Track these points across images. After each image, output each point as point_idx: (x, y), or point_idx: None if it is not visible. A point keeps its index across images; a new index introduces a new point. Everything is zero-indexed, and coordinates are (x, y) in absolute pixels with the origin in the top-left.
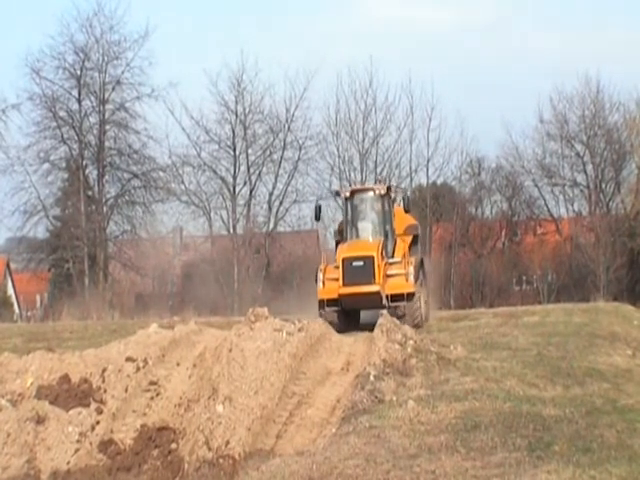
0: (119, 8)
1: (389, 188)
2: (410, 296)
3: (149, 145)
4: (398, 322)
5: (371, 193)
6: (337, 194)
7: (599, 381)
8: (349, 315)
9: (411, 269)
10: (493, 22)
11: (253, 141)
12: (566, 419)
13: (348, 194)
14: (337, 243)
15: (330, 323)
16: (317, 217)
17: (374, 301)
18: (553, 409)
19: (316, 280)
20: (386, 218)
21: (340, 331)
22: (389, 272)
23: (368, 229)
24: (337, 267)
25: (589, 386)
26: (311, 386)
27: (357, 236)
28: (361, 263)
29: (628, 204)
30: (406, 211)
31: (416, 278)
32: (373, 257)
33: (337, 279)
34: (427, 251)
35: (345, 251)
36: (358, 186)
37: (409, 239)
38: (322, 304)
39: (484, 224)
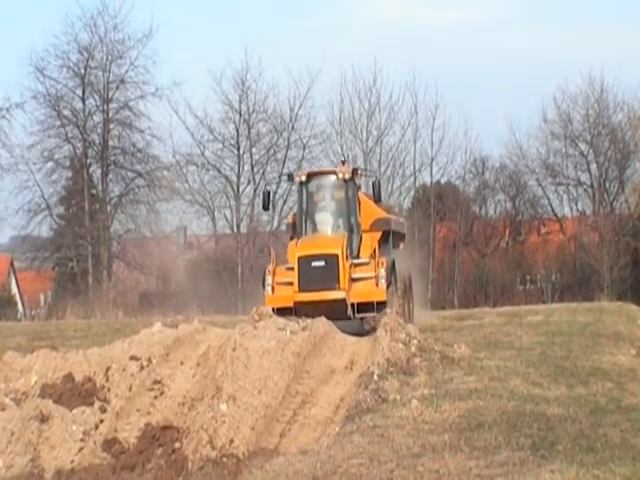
0: (123, 7)
1: (355, 171)
2: (381, 305)
3: (153, 144)
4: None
5: (332, 177)
6: (290, 178)
7: (603, 380)
8: None
9: (382, 272)
10: (497, 21)
11: (257, 140)
12: (570, 418)
13: (304, 178)
14: (290, 239)
15: None
16: (266, 205)
17: (338, 311)
18: (557, 408)
19: (263, 284)
20: (351, 209)
21: None
22: (355, 275)
23: (328, 222)
24: (290, 269)
25: (593, 385)
26: (315, 385)
27: (315, 230)
28: (322, 263)
29: (632, 203)
30: (376, 201)
31: (388, 283)
32: (337, 255)
33: (291, 283)
34: (430, 251)
35: (302, 248)
36: (316, 168)
37: (378, 236)
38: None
39: (488, 223)
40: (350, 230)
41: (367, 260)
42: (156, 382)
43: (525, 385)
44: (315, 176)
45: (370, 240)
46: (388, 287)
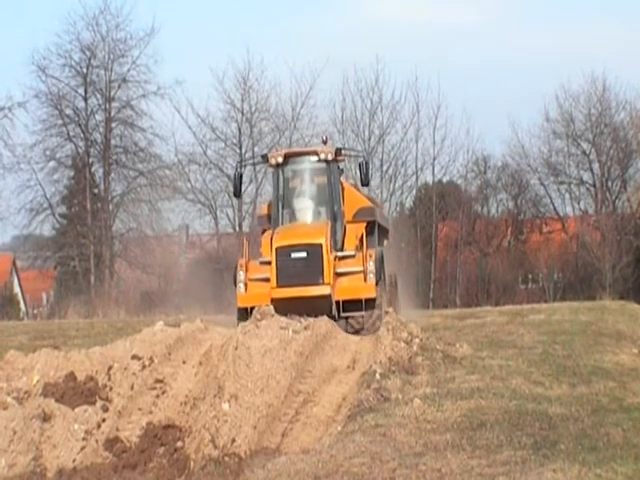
0: (125, 6)
1: (338, 152)
2: (370, 303)
3: (155, 143)
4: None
5: (313, 158)
6: (265, 159)
7: (605, 380)
8: None
9: (371, 265)
10: (499, 19)
11: (259, 139)
12: (572, 418)
13: (280, 159)
14: (263, 232)
15: None
16: (237, 191)
17: (321, 309)
18: (559, 407)
19: (234, 282)
20: (334, 194)
21: None
22: (339, 269)
23: (308, 209)
24: (265, 263)
25: (595, 385)
26: (317, 384)
27: (293, 219)
28: (303, 254)
29: (634, 202)
30: (364, 184)
31: (378, 278)
32: (320, 245)
33: (266, 279)
34: (432, 250)
35: (280, 238)
36: (294, 148)
37: (362, 227)
38: (244, 314)
39: (490, 222)
40: (333, 218)
41: (353, 252)
42: (158, 381)
43: (527, 384)
44: (293, 157)
45: (355, 231)
46: (377, 283)
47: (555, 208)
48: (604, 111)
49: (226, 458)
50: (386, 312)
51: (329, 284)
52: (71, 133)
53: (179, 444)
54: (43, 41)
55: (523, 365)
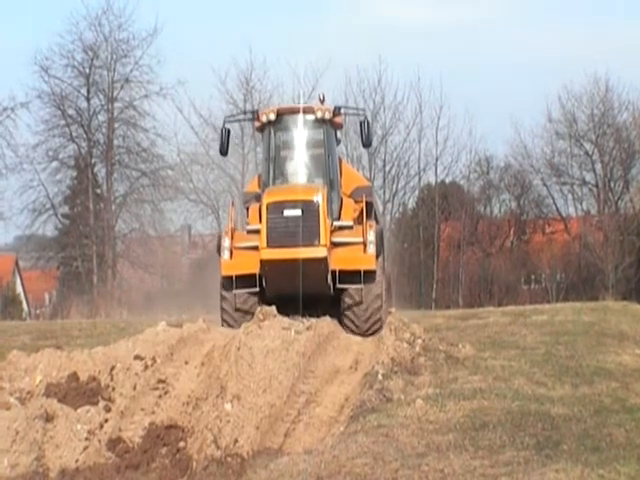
0: (128, 6)
1: (337, 110)
2: (369, 276)
3: (158, 143)
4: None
5: (309, 117)
6: (255, 115)
7: (608, 380)
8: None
9: (372, 235)
10: (502, 20)
11: (261, 140)
12: (574, 418)
13: (272, 116)
14: (247, 209)
15: (242, 315)
16: (223, 148)
17: (315, 275)
18: (561, 408)
19: (218, 250)
20: (330, 159)
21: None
22: (337, 239)
23: (302, 174)
24: (253, 232)
25: (598, 385)
26: (319, 385)
27: (285, 183)
28: (298, 212)
29: (637, 203)
30: (366, 145)
31: (378, 251)
32: (317, 203)
33: (253, 248)
34: (434, 250)
35: (273, 194)
36: (288, 105)
37: (359, 206)
38: (228, 284)
39: (492, 223)
40: (330, 185)
41: (351, 224)
42: (160, 381)
43: (529, 385)
44: (287, 114)
45: (352, 204)
46: (378, 256)
47: (558, 209)
48: (607, 112)
49: (228, 458)
50: (389, 312)
51: (325, 246)
52: (74, 133)
53: (181, 444)
54: (46, 41)
55: (526, 366)
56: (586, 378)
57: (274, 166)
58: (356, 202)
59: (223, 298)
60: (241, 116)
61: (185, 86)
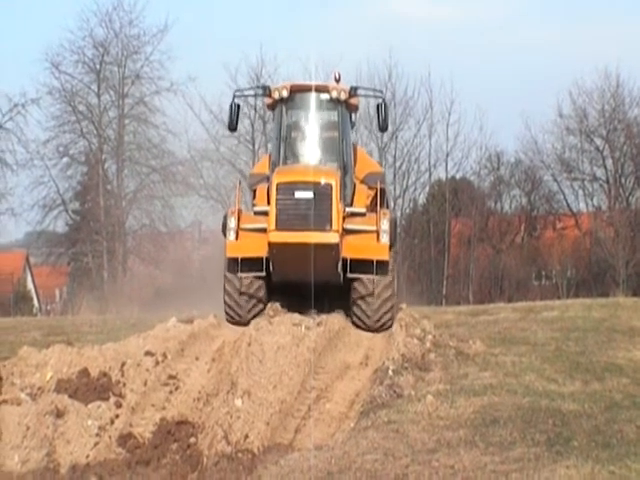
0: (138, 2)
1: (353, 91)
2: (382, 266)
3: (168, 139)
4: (366, 319)
5: (324, 96)
6: (266, 92)
7: (618, 376)
8: (283, 292)
9: (385, 224)
10: (513, 16)
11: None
12: (585, 414)
13: (285, 93)
14: (254, 192)
15: (247, 299)
16: (232, 124)
17: (325, 262)
18: (572, 404)
19: (224, 230)
20: (345, 142)
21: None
22: (348, 226)
23: (314, 155)
24: (261, 213)
25: (608, 381)
26: (330, 380)
27: (296, 164)
28: (309, 194)
29: None
30: (382, 129)
31: (392, 241)
32: (331, 186)
33: (262, 230)
34: (445, 247)
35: (283, 174)
36: (303, 83)
37: (372, 193)
38: (233, 266)
39: (503, 219)
40: (343, 169)
41: (364, 210)
42: (171, 377)
43: (540, 381)
44: (300, 92)
45: (365, 191)
46: (392, 246)
47: (568, 204)
48: (618, 107)
49: (239, 454)
50: (400, 308)
51: (337, 232)
52: (84, 129)
53: (192, 440)
54: (56, 38)
55: (536, 362)
56: (597, 374)
57: (285, 146)
58: (369, 188)
59: (227, 280)
60: (251, 91)
61: (196, 82)
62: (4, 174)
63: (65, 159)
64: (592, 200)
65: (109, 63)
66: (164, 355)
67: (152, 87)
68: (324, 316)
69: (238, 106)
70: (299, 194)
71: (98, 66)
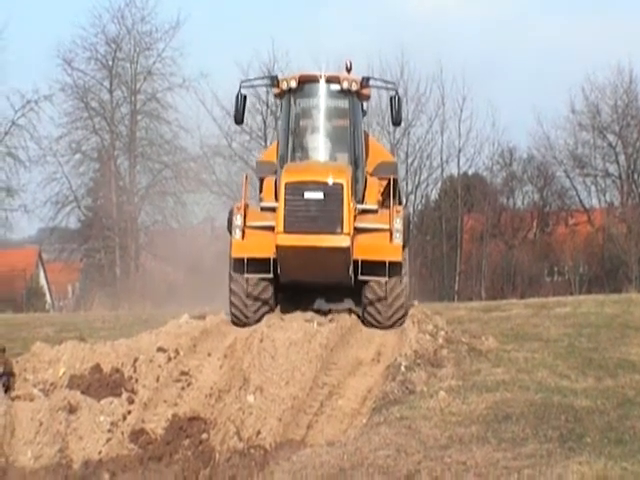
0: None
1: (365, 82)
2: (395, 268)
3: (180, 135)
4: (377, 317)
5: (334, 87)
6: (274, 82)
7: (631, 372)
8: (289, 294)
9: (399, 223)
10: (524, 11)
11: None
12: (598, 410)
13: (293, 84)
14: (261, 181)
15: (253, 301)
16: (239, 116)
17: (336, 266)
18: (585, 400)
19: (229, 227)
20: (356, 135)
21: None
22: (360, 225)
23: (324, 149)
24: (268, 209)
25: (621, 378)
26: (342, 377)
27: (305, 159)
28: (319, 195)
29: None
30: (395, 123)
31: (405, 241)
32: (342, 186)
33: (268, 228)
34: (457, 243)
35: (292, 173)
36: (312, 73)
37: (384, 185)
38: (239, 266)
39: (515, 215)
40: (355, 164)
41: (375, 207)
42: (183, 373)
43: (553, 377)
44: (309, 83)
45: (377, 185)
46: (405, 246)
47: (581, 200)
48: (630, 103)
49: (251, 450)
50: (412, 304)
51: (349, 235)
52: (97, 126)
53: (204, 436)
54: (69, 34)
55: (549, 358)
56: (609, 370)
57: (293, 139)
58: (380, 179)
59: (233, 280)
60: (259, 81)
61: (208, 78)
62: (17, 170)
63: (77, 155)
64: (605, 196)
65: (121, 59)
66: (176, 351)
67: (164, 83)
68: (335, 314)
69: (245, 97)
70: (309, 194)
71: (110, 62)
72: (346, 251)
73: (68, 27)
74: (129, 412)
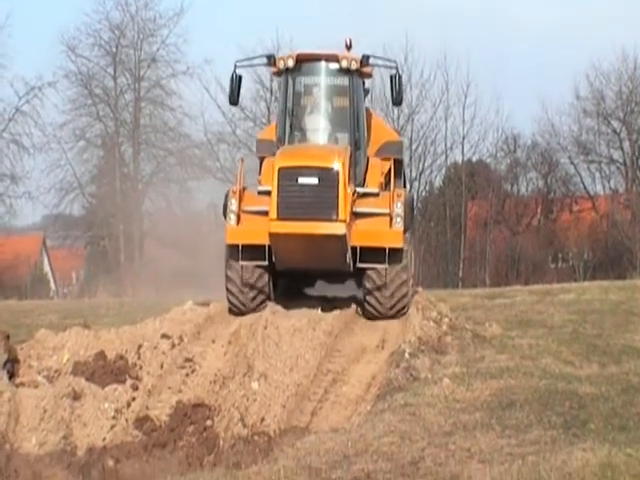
0: None
1: (365, 60)
2: (395, 255)
3: (184, 122)
4: (377, 308)
5: (333, 66)
6: (271, 61)
7: (635, 359)
8: (287, 282)
9: (399, 207)
10: None
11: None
12: (602, 397)
13: (291, 63)
14: (261, 161)
15: (249, 289)
16: (233, 96)
17: (332, 254)
18: (589, 387)
19: (224, 212)
20: (357, 115)
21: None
22: (359, 209)
23: (323, 130)
24: (264, 193)
25: (625, 364)
26: (346, 363)
27: (303, 140)
28: (314, 180)
29: None
30: (396, 103)
31: (407, 225)
32: (336, 172)
33: (264, 213)
34: (461, 229)
35: (286, 157)
36: (310, 51)
37: (387, 166)
38: (233, 253)
39: (520, 201)
40: (355, 145)
41: (376, 190)
42: (187, 360)
43: (557, 363)
44: (307, 62)
45: (380, 166)
46: (406, 230)
47: (585, 187)
48: (635, 89)
49: (255, 437)
50: (416, 291)
51: (344, 222)
52: (100, 113)
53: (208, 423)
54: (72, 20)
55: (553, 344)
56: (614, 357)
57: (291, 119)
58: (383, 160)
59: (229, 266)
60: (255, 60)
61: (212, 65)
62: (21, 157)
63: (81, 142)
64: (609, 182)
65: (125, 46)
66: (180, 338)
67: (168, 70)
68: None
69: (240, 78)
70: (303, 180)
71: (114, 49)
72: (342, 238)
73: (72, 14)
74: (133, 399)
